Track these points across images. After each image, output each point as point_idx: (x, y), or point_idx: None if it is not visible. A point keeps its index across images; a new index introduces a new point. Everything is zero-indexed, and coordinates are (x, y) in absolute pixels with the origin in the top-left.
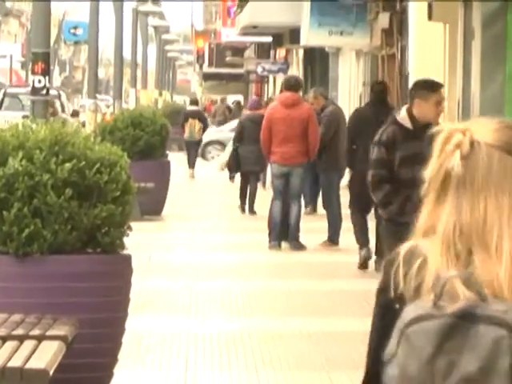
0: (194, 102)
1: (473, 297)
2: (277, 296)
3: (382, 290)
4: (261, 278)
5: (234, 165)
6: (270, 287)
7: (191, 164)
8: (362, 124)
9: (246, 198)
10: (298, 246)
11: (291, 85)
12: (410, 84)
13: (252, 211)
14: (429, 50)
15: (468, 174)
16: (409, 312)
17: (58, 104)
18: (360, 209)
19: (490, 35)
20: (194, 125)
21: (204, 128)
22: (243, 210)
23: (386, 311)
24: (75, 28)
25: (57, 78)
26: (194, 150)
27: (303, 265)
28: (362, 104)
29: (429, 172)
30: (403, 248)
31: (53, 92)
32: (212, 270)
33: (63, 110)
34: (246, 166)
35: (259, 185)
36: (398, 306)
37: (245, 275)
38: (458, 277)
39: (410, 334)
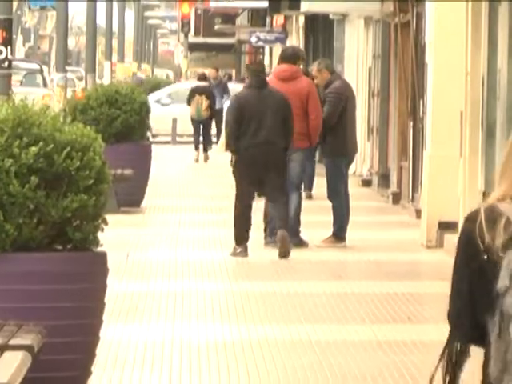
0: (202, 77)
1: None
2: (274, 300)
3: (467, 243)
4: (255, 279)
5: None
6: (266, 289)
7: (197, 146)
8: (247, 108)
9: None
10: (299, 243)
11: (288, 56)
12: (428, 56)
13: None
14: (449, 17)
15: None
16: None
17: (39, 79)
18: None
19: None
20: (200, 102)
21: (211, 106)
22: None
23: (472, 260)
24: None
25: (20, 49)
26: (206, 129)
27: (304, 264)
28: (372, 79)
29: (505, 153)
30: (482, 207)
31: (34, 65)
32: (199, 271)
33: (45, 85)
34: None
35: None
36: (486, 256)
37: (237, 276)
38: None
39: None
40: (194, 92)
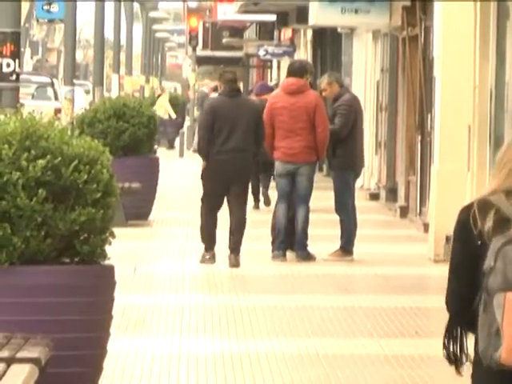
0: (216, 89)
1: None
2: (282, 314)
3: (462, 230)
4: (263, 292)
5: None
6: (273, 303)
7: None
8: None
9: (259, 194)
10: (306, 256)
11: (295, 69)
12: (436, 70)
13: (267, 202)
14: (457, 31)
15: None
16: (499, 240)
17: (50, 92)
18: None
19: None
20: None
21: None
22: (257, 207)
23: (467, 244)
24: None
25: (28, 62)
26: None
27: (312, 278)
28: (380, 93)
29: (501, 154)
30: (476, 200)
31: (45, 79)
32: (207, 284)
33: (56, 98)
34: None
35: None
36: (479, 242)
37: (244, 290)
38: None
39: (507, 251)
40: None
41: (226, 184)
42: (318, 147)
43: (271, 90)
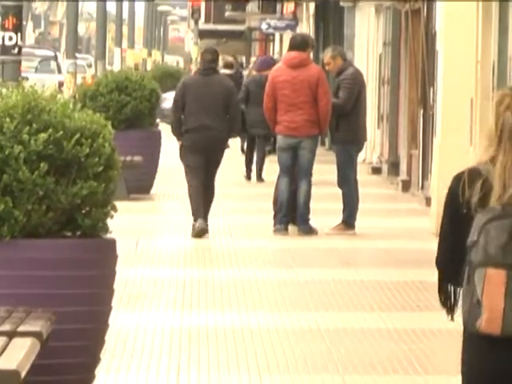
0: (229, 65)
1: None
2: (284, 288)
3: (452, 198)
4: (265, 266)
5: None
6: (275, 277)
7: None
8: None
9: (252, 164)
10: (308, 230)
11: (297, 43)
12: (438, 43)
13: (260, 178)
14: (459, 5)
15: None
16: (484, 215)
17: (54, 65)
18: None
19: None
20: None
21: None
22: (249, 177)
23: (455, 214)
24: None
25: (30, 35)
26: None
27: (314, 252)
28: (382, 66)
29: (490, 124)
30: (467, 169)
31: (48, 52)
32: (208, 258)
33: (59, 72)
34: (252, 129)
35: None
36: (465, 210)
37: (246, 264)
38: None
39: (489, 229)
40: None
41: (201, 159)
42: (321, 120)
43: (272, 65)
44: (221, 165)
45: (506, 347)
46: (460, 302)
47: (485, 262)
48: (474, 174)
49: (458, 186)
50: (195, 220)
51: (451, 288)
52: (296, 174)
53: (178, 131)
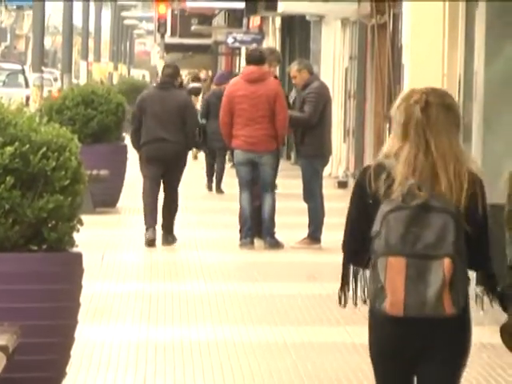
0: (197, 78)
1: (426, 195)
2: (250, 301)
3: (359, 189)
4: (231, 280)
5: (200, 142)
6: (241, 291)
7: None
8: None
9: (213, 176)
10: (274, 244)
11: (255, 58)
12: (404, 57)
13: (219, 190)
14: (426, 18)
15: (425, 121)
16: (386, 206)
17: (21, 79)
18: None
19: (497, 1)
20: (196, 103)
21: None
22: (210, 188)
23: (361, 203)
24: None
25: None
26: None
27: (280, 265)
28: (348, 80)
29: (394, 118)
30: (373, 163)
31: (16, 66)
32: (174, 272)
33: (27, 85)
34: (212, 142)
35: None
36: (371, 201)
37: (213, 277)
38: (415, 184)
39: (389, 219)
40: (191, 93)
41: (157, 171)
42: (278, 134)
43: (229, 78)
44: (182, 178)
45: (408, 326)
46: (358, 287)
47: (386, 252)
48: (378, 167)
49: (365, 179)
50: (146, 229)
51: (354, 270)
52: (258, 190)
53: (136, 144)
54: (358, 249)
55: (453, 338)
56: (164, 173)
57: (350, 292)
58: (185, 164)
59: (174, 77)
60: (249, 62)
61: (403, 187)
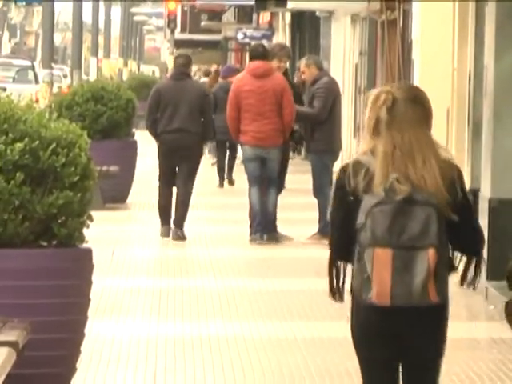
0: (207, 73)
1: (408, 190)
2: (260, 297)
3: (339, 187)
4: (241, 276)
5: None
6: (251, 287)
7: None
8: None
9: (224, 171)
10: (275, 237)
11: (261, 53)
12: (414, 53)
13: (231, 180)
14: (435, 14)
15: (393, 118)
16: (370, 200)
17: (31, 75)
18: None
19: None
20: None
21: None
22: (221, 185)
23: (343, 200)
24: None
25: (6, 45)
26: None
27: (290, 261)
28: (358, 76)
29: (366, 119)
30: (351, 161)
31: (26, 62)
32: (184, 267)
33: (37, 82)
34: (220, 135)
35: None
36: (351, 198)
37: (223, 273)
38: (396, 178)
39: (374, 213)
40: None
41: (173, 162)
42: (285, 129)
43: (237, 71)
44: (197, 172)
45: (394, 315)
46: (346, 281)
47: (373, 243)
48: (356, 165)
49: (344, 177)
50: (161, 225)
51: (341, 265)
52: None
53: (153, 133)
54: (344, 245)
55: (436, 325)
56: (178, 164)
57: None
58: (201, 155)
59: (187, 66)
60: (253, 57)
61: (385, 182)
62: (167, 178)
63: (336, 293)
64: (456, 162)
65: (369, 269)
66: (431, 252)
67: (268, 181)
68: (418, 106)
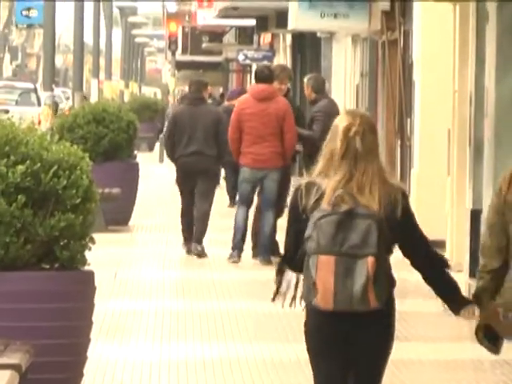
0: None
1: (352, 204)
2: (262, 319)
3: (293, 207)
4: (243, 298)
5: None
6: (254, 308)
7: None
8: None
9: (235, 191)
10: (267, 261)
11: (265, 76)
12: (415, 74)
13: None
14: (436, 35)
15: (362, 151)
16: (317, 213)
17: (34, 98)
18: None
19: (507, 18)
20: None
21: None
22: (233, 204)
23: (297, 220)
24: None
25: (7, 67)
26: None
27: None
28: (359, 97)
29: (334, 147)
30: (304, 181)
31: (28, 85)
32: (187, 290)
33: (39, 104)
34: (228, 155)
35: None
36: (304, 216)
37: (225, 295)
38: (342, 194)
39: (321, 224)
40: None
41: (191, 183)
42: (287, 153)
43: (242, 93)
44: (214, 191)
45: (337, 319)
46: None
47: (317, 251)
48: (309, 184)
49: (297, 196)
50: (185, 243)
51: (286, 270)
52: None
53: (171, 157)
54: (294, 255)
55: (377, 329)
56: (195, 185)
57: (287, 294)
58: (217, 175)
59: (200, 91)
60: (258, 79)
61: (332, 197)
62: (187, 198)
63: (277, 296)
64: (402, 186)
65: (313, 274)
66: (370, 260)
67: (264, 203)
68: (375, 135)
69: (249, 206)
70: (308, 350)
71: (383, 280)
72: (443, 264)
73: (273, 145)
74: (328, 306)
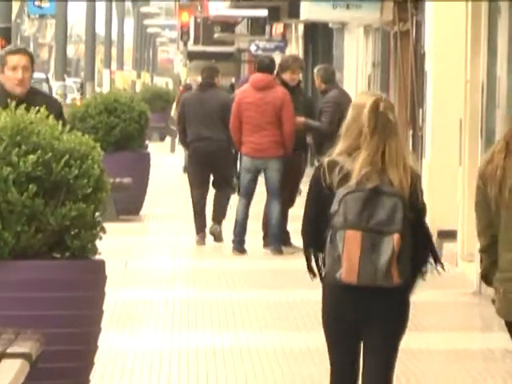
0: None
1: (378, 182)
2: (272, 308)
3: (315, 183)
4: (254, 287)
5: None
6: (265, 298)
7: None
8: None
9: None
10: (278, 251)
11: (264, 66)
12: (427, 64)
13: None
14: (448, 26)
15: (377, 126)
16: (343, 190)
17: (46, 88)
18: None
19: None
20: None
21: None
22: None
23: (319, 195)
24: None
25: None
26: None
27: (302, 272)
28: (371, 87)
29: (358, 125)
30: (326, 160)
31: (40, 75)
32: (198, 279)
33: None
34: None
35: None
36: (328, 192)
37: (236, 284)
38: (368, 172)
39: (347, 199)
40: None
41: (204, 169)
42: (286, 143)
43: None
44: (233, 177)
45: (361, 295)
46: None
47: (345, 226)
48: (332, 163)
49: (320, 174)
50: (197, 233)
51: (313, 252)
52: (284, 196)
53: (183, 142)
54: (316, 235)
55: (396, 306)
56: (212, 172)
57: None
58: (231, 160)
59: (211, 77)
60: (257, 69)
61: (360, 174)
62: (200, 186)
63: (311, 271)
64: (419, 172)
65: (340, 248)
66: (396, 237)
67: (269, 193)
68: (394, 116)
69: (249, 196)
70: (324, 326)
71: (406, 258)
72: (435, 260)
73: (271, 134)
74: (352, 280)
